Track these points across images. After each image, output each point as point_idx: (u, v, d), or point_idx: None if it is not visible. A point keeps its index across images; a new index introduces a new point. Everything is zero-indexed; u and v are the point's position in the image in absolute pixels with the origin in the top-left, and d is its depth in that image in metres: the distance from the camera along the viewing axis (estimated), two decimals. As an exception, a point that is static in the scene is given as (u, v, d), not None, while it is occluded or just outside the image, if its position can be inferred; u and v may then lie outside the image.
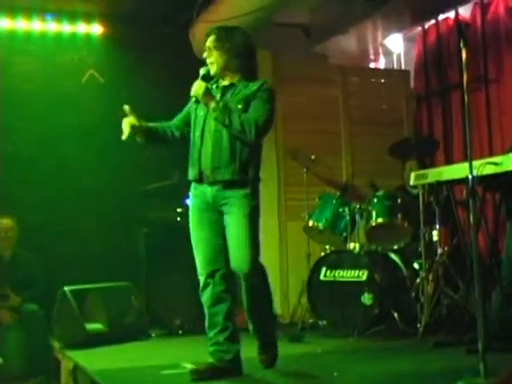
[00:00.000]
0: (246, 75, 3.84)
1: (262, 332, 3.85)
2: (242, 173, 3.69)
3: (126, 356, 4.79)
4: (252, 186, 3.74)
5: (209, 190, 3.73)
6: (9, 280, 5.72)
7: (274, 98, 3.79)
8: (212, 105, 3.68)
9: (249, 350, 3.84)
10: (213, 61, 3.81)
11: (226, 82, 3.86)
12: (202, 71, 3.83)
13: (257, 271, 3.68)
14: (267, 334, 3.87)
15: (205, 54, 3.86)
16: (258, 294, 3.76)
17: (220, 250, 3.74)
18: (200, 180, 3.75)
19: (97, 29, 6.99)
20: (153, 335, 5.61)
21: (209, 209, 3.76)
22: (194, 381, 3.61)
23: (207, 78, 3.82)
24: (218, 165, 3.69)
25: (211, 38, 3.84)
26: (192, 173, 3.80)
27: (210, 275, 3.76)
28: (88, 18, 6.94)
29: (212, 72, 3.83)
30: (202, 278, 3.81)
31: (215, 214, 3.74)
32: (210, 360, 3.73)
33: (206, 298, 3.81)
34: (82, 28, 6.94)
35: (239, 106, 3.72)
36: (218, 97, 3.78)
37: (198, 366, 3.77)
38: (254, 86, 3.77)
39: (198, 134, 3.79)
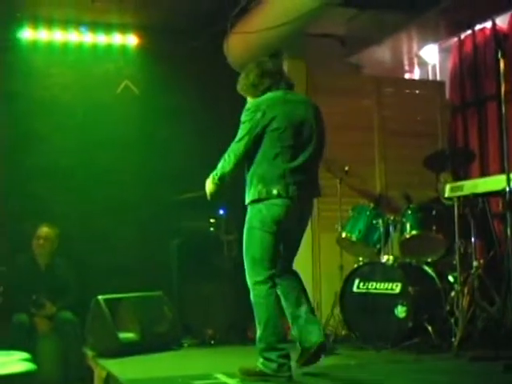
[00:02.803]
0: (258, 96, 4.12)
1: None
2: (247, 196, 4.02)
3: (158, 365, 4.80)
4: (254, 204, 3.96)
5: None
6: (44, 289, 5.78)
7: (245, 118, 4.00)
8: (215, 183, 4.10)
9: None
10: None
11: None
12: None
13: (249, 286, 3.96)
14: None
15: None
16: (253, 307, 3.94)
17: None
18: None
19: (132, 40, 7.06)
20: (185, 345, 5.62)
21: None
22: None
23: None
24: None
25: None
26: None
27: None
28: (123, 29, 7.02)
29: None
30: None
31: None
32: None
33: None
34: (117, 39, 7.02)
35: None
36: None
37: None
38: None
39: None
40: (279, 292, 4.01)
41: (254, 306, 3.92)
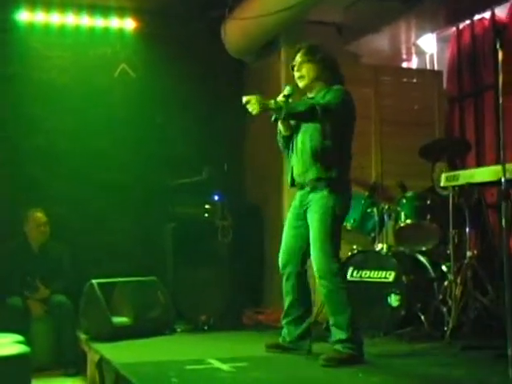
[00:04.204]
0: (334, 84, 4.11)
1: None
2: (324, 171, 3.99)
3: (151, 350, 4.80)
4: (331, 186, 3.99)
5: (299, 193, 4.18)
6: (38, 271, 5.78)
7: (339, 95, 4.01)
8: (280, 111, 3.91)
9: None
10: (303, 74, 4.12)
11: (311, 95, 4.14)
12: (286, 91, 4.07)
13: (325, 274, 4.00)
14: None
15: (294, 70, 4.16)
16: (329, 296, 4.02)
17: (295, 251, 4.22)
18: (292, 184, 4.22)
19: (130, 23, 7.03)
20: (178, 330, 5.63)
21: (297, 211, 4.18)
22: (266, 351, 4.31)
23: (287, 97, 4.07)
24: (304, 169, 4.08)
25: (301, 53, 4.14)
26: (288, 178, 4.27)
27: (283, 271, 4.27)
28: (121, 12, 6.99)
29: (301, 85, 4.15)
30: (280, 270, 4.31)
31: (300, 217, 4.15)
32: (279, 339, 4.35)
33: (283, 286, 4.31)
34: (115, 22, 6.98)
35: None
36: None
37: (269, 342, 4.38)
38: (324, 90, 4.08)
39: (293, 144, 4.19)
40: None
41: (338, 292, 3.98)
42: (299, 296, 4.26)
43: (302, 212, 4.15)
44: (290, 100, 4.10)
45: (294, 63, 4.16)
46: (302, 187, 4.14)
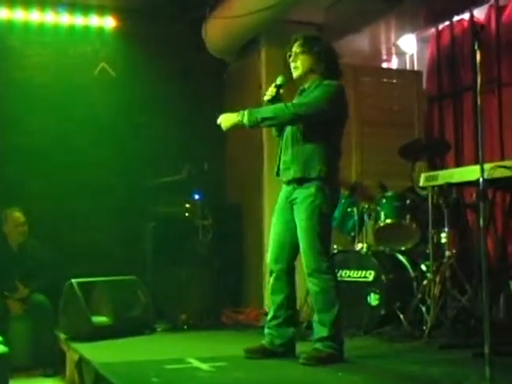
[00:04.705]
0: (329, 78, 4.03)
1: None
2: (306, 171, 3.94)
3: (130, 350, 4.79)
4: (318, 183, 3.93)
5: (284, 187, 4.11)
6: (17, 271, 5.73)
7: (328, 90, 3.94)
8: (242, 120, 3.96)
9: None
10: (298, 65, 4.06)
11: (306, 86, 4.09)
12: (278, 81, 4.11)
13: (314, 272, 3.93)
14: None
15: (290, 60, 4.10)
16: (317, 293, 3.96)
17: (285, 246, 4.09)
18: (278, 174, 4.15)
19: (110, 22, 6.99)
20: (158, 329, 5.62)
21: (284, 206, 4.10)
22: (246, 358, 4.05)
23: (279, 87, 4.11)
24: (286, 166, 4.04)
25: (298, 43, 4.08)
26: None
27: (273, 268, 4.12)
28: (101, 11, 6.95)
29: (294, 76, 4.10)
30: (268, 267, 4.19)
31: (288, 211, 4.07)
32: (263, 341, 4.14)
33: (269, 285, 4.18)
34: (94, 21, 6.95)
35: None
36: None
37: (253, 345, 4.14)
38: (316, 83, 4.02)
39: (283, 138, 4.13)
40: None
41: (327, 290, 3.92)
42: (289, 295, 4.12)
43: (289, 207, 4.06)
44: (281, 91, 4.10)
45: (291, 53, 4.12)
46: (287, 183, 4.07)
